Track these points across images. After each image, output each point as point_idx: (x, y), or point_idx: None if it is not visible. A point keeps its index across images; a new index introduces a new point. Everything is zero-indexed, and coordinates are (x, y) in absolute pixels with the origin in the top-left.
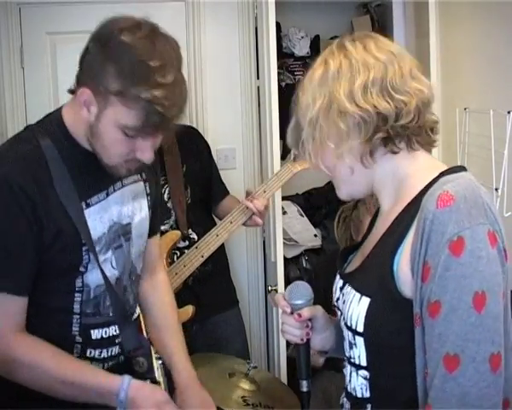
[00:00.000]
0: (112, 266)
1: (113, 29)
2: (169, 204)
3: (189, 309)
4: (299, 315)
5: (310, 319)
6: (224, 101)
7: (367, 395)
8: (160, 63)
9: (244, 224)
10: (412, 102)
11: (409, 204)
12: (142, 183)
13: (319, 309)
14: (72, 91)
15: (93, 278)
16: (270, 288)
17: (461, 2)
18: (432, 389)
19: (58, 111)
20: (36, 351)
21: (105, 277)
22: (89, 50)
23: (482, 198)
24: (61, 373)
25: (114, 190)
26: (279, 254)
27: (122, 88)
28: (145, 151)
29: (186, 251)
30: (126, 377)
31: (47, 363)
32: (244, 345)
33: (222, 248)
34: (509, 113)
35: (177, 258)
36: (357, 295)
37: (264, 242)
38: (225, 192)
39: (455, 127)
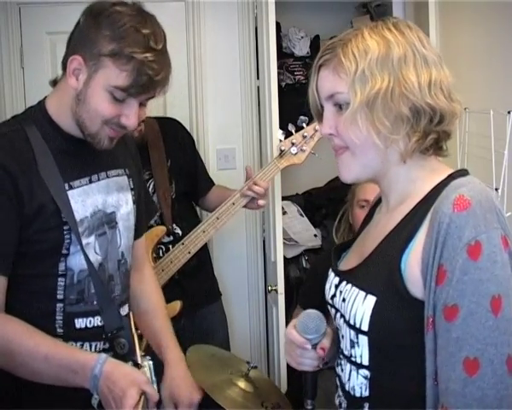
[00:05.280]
0: (95, 252)
1: (105, 4)
2: (153, 199)
3: (177, 305)
4: (323, 350)
5: None
6: (224, 101)
7: (366, 394)
8: (150, 31)
9: (245, 206)
10: (458, 109)
11: (418, 204)
12: (126, 177)
13: (331, 333)
14: (54, 82)
15: (76, 261)
16: (270, 288)
17: (461, 2)
18: (450, 394)
19: (41, 103)
20: (9, 326)
21: (88, 260)
22: (80, 24)
23: (494, 203)
24: (35, 347)
25: (99, 179)
26: (279, 254)
27: (116, 49)
28: (130, 117)
29: (171, 246)
30: (104, 354)
31: (20, 337)
32: (226, 336)
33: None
34: (509, 113)
35: (163, 253)
36: (362, 293)
37: (264, 242)
38: (211, 184)
39: (455, 127)
